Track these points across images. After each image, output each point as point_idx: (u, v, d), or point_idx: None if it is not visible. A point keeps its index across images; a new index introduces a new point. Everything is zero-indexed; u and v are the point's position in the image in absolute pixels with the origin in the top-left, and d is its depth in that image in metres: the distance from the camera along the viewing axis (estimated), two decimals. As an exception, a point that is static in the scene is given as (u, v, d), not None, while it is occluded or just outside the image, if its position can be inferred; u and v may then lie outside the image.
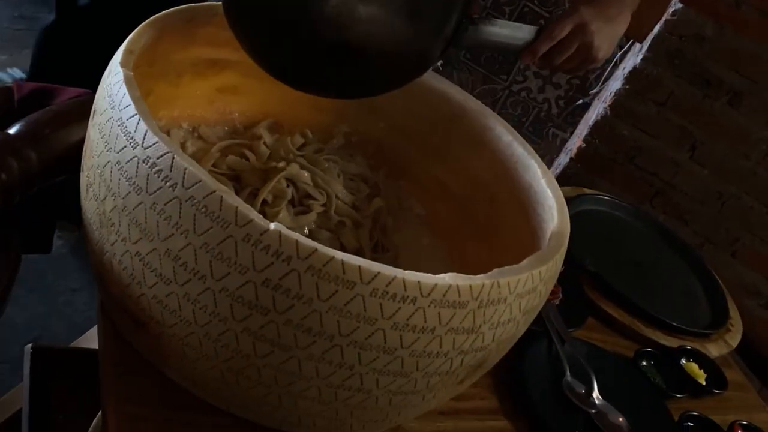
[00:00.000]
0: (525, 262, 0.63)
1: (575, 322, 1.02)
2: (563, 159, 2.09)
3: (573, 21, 0.99)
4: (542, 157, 0.81)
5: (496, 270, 0.60)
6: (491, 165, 0.85)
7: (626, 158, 1.93)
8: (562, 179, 1.95)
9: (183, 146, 0.84)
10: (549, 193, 0.76)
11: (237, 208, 0.54)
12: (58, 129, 0.77)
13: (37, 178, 0.75)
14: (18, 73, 2.61)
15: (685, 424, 0.97)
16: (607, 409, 0.88)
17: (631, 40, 2.04)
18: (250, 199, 0.81)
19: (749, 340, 1.23)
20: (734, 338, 1.18)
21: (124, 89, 0.62)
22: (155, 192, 0.57)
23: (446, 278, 0.57)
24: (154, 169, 0.57)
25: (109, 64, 0.67)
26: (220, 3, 0.74)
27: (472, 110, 0.87)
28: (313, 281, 0.54)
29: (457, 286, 0.57)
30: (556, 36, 0.96)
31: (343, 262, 0.53)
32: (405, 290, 0.55)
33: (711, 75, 1.78)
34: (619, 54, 2.20)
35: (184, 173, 0.55)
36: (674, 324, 1.11)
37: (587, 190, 1.33)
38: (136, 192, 0.58)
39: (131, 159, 0.58)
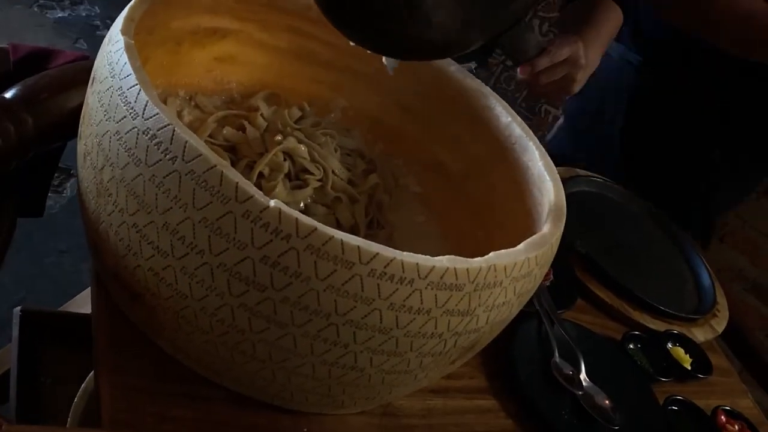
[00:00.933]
0: (521, 246, 0.63)
1: (565, 303, 1.03)
2: (556, 137, 2.09)
3: (570, 49, 1.00)
4: (534, 133, 0.82)
5: (492, 254, 0.60)
6: (489, 145, 0.85)
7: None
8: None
9: (179, 115, 0.83)
10: (546, 176, 0.76)
11: (237, 183, 0.54)
12: (55, 94, 0.76)
13: (33, 143, 0.74)
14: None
15: (670, 407, 0.98)
16: (593, 391, 0.89)
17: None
18: (246, 172, 0.80)
19: (734, 324, 1.24)
20: (720, 324, 1.19)
21: (124, 58, 0.61)
22: (154, 164, 0.56)
23: (444, 261, 0.57)
24: (153, 141, 0.56)
25: (109, 32, 0.66)
26: None
27: (471, 89, 0.87)
28: (312, 260, 0.54)
29: (455, 269, 0.57)
30: (554, 59, 0.97)
31: (342, 242, 0.53)
32: (403, 272, 0.55)
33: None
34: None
35: (185, 146, 0.55)
36: (662, 308, 1.12)
37: (581, 171, 1.33)
38: (135, 163, 0.57)
39: (131, 130, 0.58)
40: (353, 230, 0.83)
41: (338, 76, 0.93)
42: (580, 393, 0.89)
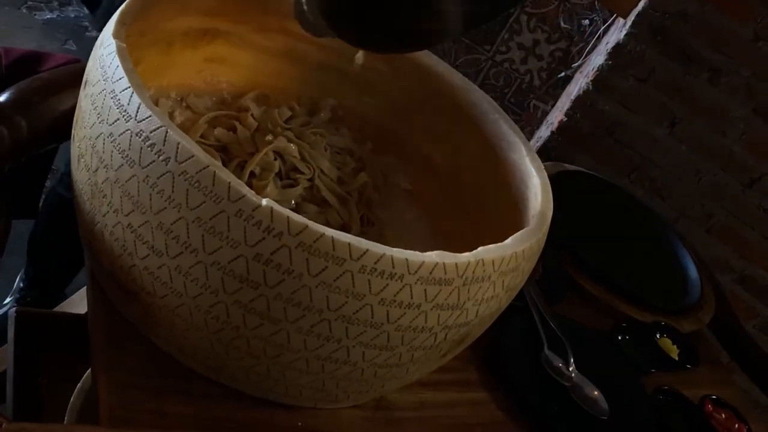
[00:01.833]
0: (509, 240, 0.65)
1: (555, 297, 1.04)
2: (544, 132, 2.10)
3: None
4: (523, 129, 0.83)
5: (481, 248, 0.62)
6: (477, 141, 0.86)
7: (606, 133, 1.94)
8: (543, 153, 1.97)
9: (171, 116, 0.84)
10: (534, 172, 0.77)
11: (230, 183, 0.55)
12: (47, 97, 0.77)
13: (26, 147, 0.75)
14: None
15: (658, 398, 0.99)
16: (583, 383, 0.90)
17: (615, 15, 2.05)
18: (238, 171, 0.81)
19: (721, 316, 1.26)
20: (707, 315, 1.21)
21: (117, 61, 0.62)
22: (148, 165, 0.57)
23: (433, 256, 0.58)
24: (147, 143, 0.57)
25: (101, 35, 0.67)
26: None
27: (459, 87, 0.88)
28: (304, 257, 0.55)
29: (444, 263, 0.58)
30: None
31: (333, 239, 0.55)
32: (393, 267, 0.56)
33: (692, 52, 1.80)
34: (602, 28, 2.21)
35: (177, 147, 0.56)
36: (649, 300, 1.14)
37: (568, 166, 1.35)
38: (129, 165, 0.59)
39: (124, 132, 0.59)
40: (344, 228, 0.84)
41: (327, 75, 0.93)
42: (570, 385, 0.90)
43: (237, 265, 0.56)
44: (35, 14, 2.69)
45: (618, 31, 1.93)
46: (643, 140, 1.92)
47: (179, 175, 0.56)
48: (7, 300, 1.69)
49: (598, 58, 1.97)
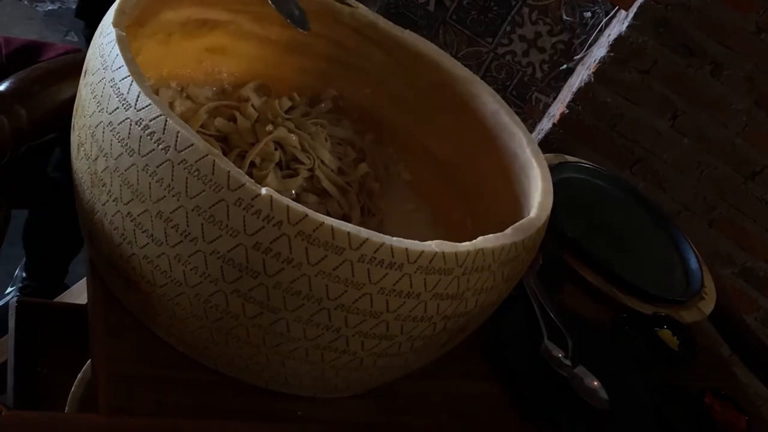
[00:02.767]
0: (509, 230, 0.65)
1: (554, 287, 1.04)
2: (546, 124, 2.10)
3: None
4: (525, 121, 0.83)
5: (480, 238, 0.62)
6: (477, 132, 0.86)
7: (608, 125, 1.94)
8: (544, 145, 1.97)
9: (171, 106, 0.84)
10: (534, 162, 0.77)
11: (229, 172, 0.55)
12: (48, 86, 0.77)
13: (26, 136, 0.75)
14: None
15: (658, 389, 0.99)
16: (583, 374, 0.90)
17: (617, 7, 2.04)
18: (238, 161, 0.81)
19: (722, 308, 1.26)
20: (708, 306, 1.21)
21: (116, 50, 0.62)
22: (147, 154, 0.57)
23: (432, 245, 0.58)
24: (146, 132, 0.57)
25: (101, 24, 0.67)
26: None
27: (460, 77, 0.88)
28: (303, 246, 0.55)
29: (443, 253, 0.58)
30: None
31: (332, 228, 0.55)
32: (392, 257, 0.56)
33: (695, 44, 1.80)
34: (604, 20, 2.21)
35: (177, 136, 0.56)
36: (650, 291, 1.14)
37: (569, 158, 1.34)
38: (129, 153, 0.59)
39: (124, 120, 0.59)
40: (345, 218, 0.84)
41: (328, 66, 0.93)
42: (570, 375, 0.90)
43: (236, 254, 0.56)
44: (37, 6, 2.69)
45: (620, 24, 1.93)
46: (644, 132, 1.92)
47: (179, 164, 0.56)
48: (8, 290, 1.69)
49: (600, 51, 1.97)
